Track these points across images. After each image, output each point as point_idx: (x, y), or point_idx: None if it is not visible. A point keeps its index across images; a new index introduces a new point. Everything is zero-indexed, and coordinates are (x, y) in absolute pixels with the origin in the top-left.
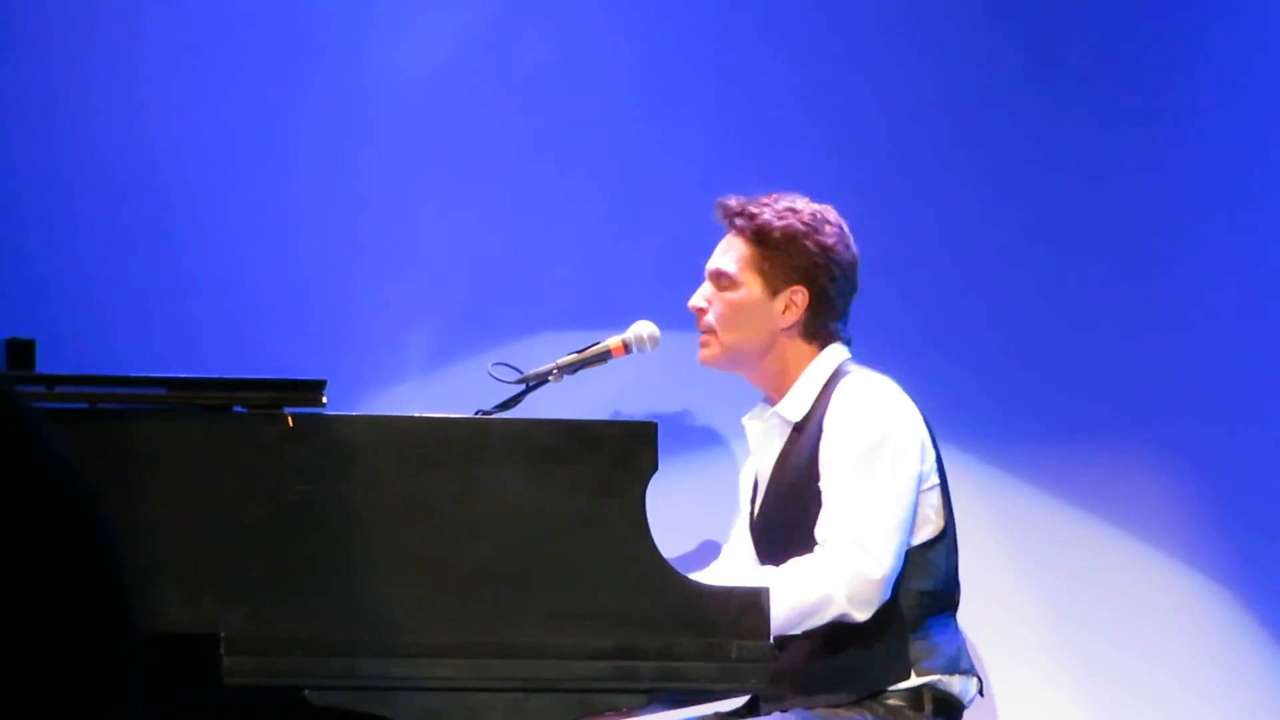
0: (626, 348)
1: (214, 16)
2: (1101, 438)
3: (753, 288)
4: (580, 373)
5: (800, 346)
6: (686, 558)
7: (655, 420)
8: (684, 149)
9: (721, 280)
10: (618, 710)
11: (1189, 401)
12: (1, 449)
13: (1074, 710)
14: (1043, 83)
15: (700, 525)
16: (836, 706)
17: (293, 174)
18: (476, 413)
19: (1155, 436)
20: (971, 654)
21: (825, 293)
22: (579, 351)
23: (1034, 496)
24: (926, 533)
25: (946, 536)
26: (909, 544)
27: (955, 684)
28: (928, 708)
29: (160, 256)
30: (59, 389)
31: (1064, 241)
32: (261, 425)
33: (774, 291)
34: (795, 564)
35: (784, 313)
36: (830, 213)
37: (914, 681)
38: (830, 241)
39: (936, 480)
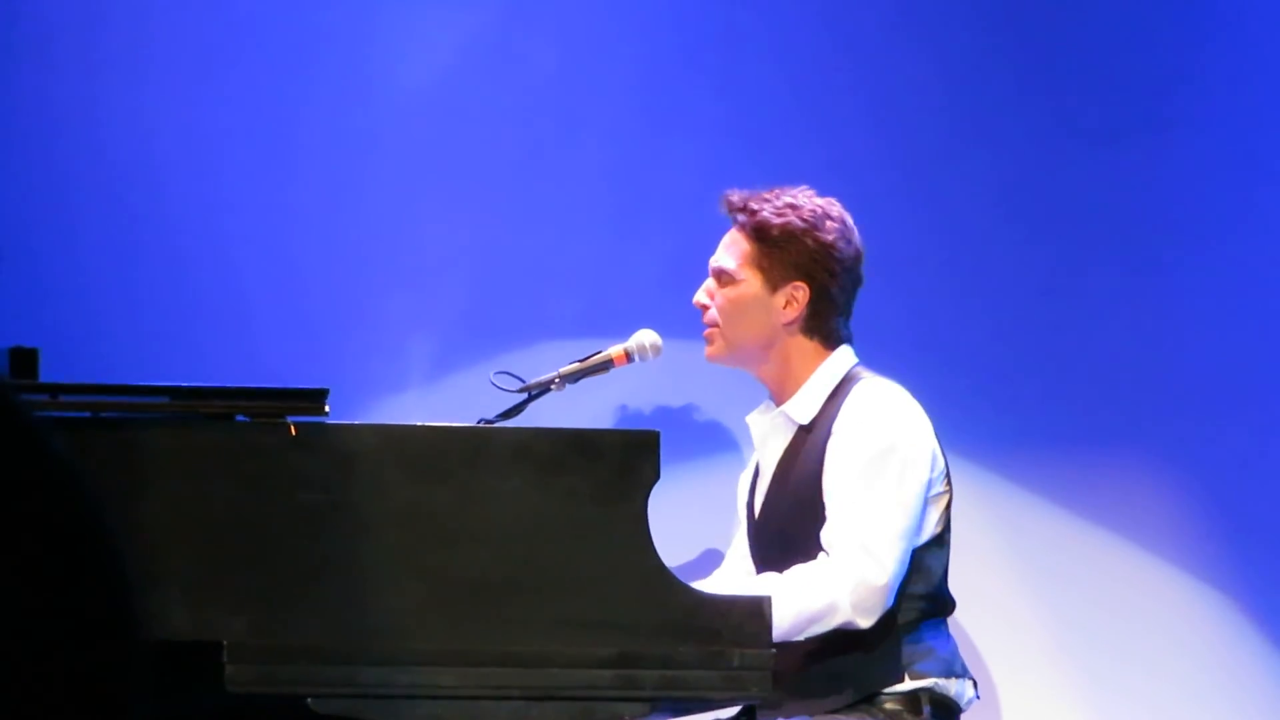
0: (629, 356)
1: (216, 26)
2: (1103, 445)
3: (753, 283)
4: (582, 381)
5: (804, 344)
6: (688, 566)
7: (657, 429)
8: (686, 158)
9: (723, 277)
10: (620, 718)
11: (1189, 409)
12: (7, 457)
13: (1075, 715)
14: (1046, 92)
15: (702, 534)
16: (834, 711)
17: (295, 183)
18: (479, 421)
19: (1156, 444)
20: (973, 659)
21: (826, 289)
22: (581, 360)
23: (1035, 503)
24: (924, 538)
25: (944, 543)
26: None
27: (952, 687)
28: (925, 710)
29: (163, 265)
30: (62, 398)
31: (1065, 249)
32: (264, 434)
33: (774, 287)
34: (799, 570)
35: (785, 308)
36: (834, 208)
37: (910, 685)
38: (830, 238)
39: (943, 488)
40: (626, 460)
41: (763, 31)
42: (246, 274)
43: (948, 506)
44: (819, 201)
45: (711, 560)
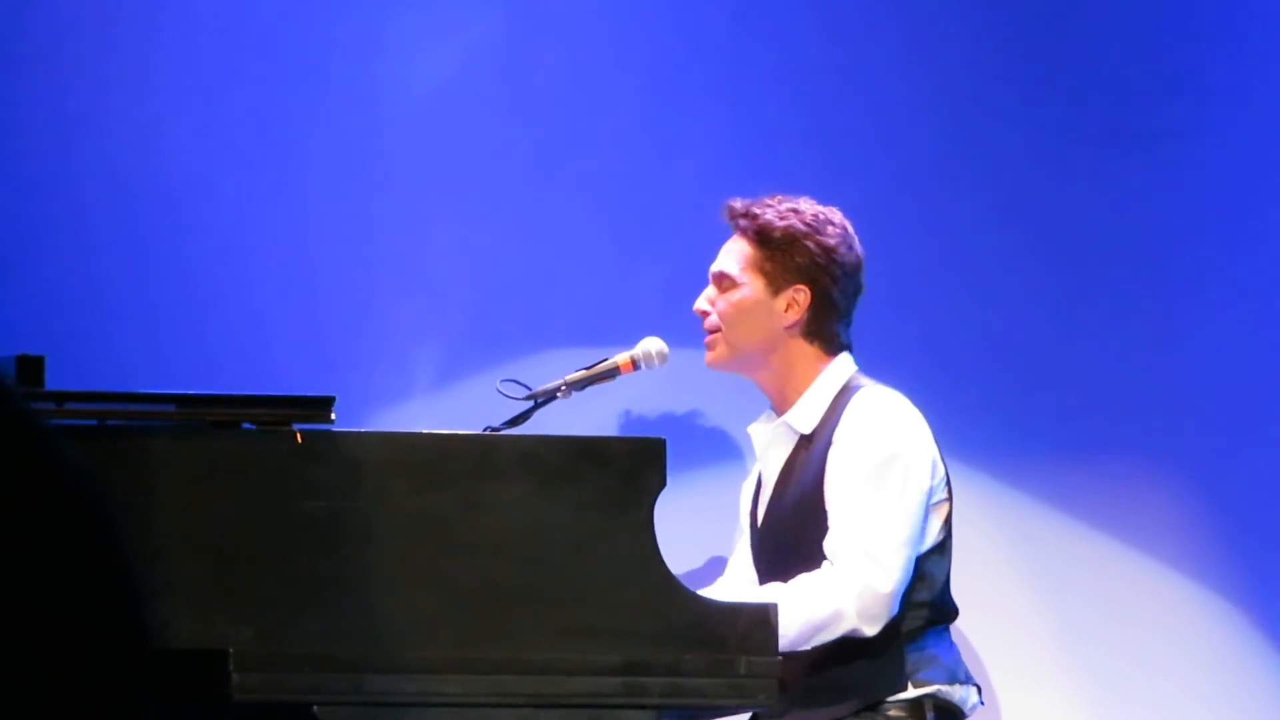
0: (635, 364)
1: (224, 33)
2: (1106, 452)
3: (754, 287)
4: (589, 389)
5: (805, 348)
6: (695, 573)
7: (663, 437)
8: (692, 167)
9: (724, 282)
10: None
11: (1192, 416)
12: (16, 464)
13: None
14: (1049, 101)
15: (708, 541)
16: (838, 719)
17: (301, 190)
18: (485, 429)
19: (1159, 450)
20: (976, 665)
21: (828, 293)
22: (588, 368)
23: (1038, 509)
24: (926, 546)
25: (946, 551)
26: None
27: (956, 693)
28: (929, 717)
29: (169, 272)
30: (68, 405)
31: (1067, 257)
32: (271, 442)
33: (776, 290)
34: (805, 579)
35: (786, 311)
36: (835, 214)
37: (914, 692)
38: (832, 242)
39: (943, 496)
40: (633, 467)
41: (768, 43)
42: (252, 282)
43: (949, 514)
44: (821, 208)
45: (716, 568)
